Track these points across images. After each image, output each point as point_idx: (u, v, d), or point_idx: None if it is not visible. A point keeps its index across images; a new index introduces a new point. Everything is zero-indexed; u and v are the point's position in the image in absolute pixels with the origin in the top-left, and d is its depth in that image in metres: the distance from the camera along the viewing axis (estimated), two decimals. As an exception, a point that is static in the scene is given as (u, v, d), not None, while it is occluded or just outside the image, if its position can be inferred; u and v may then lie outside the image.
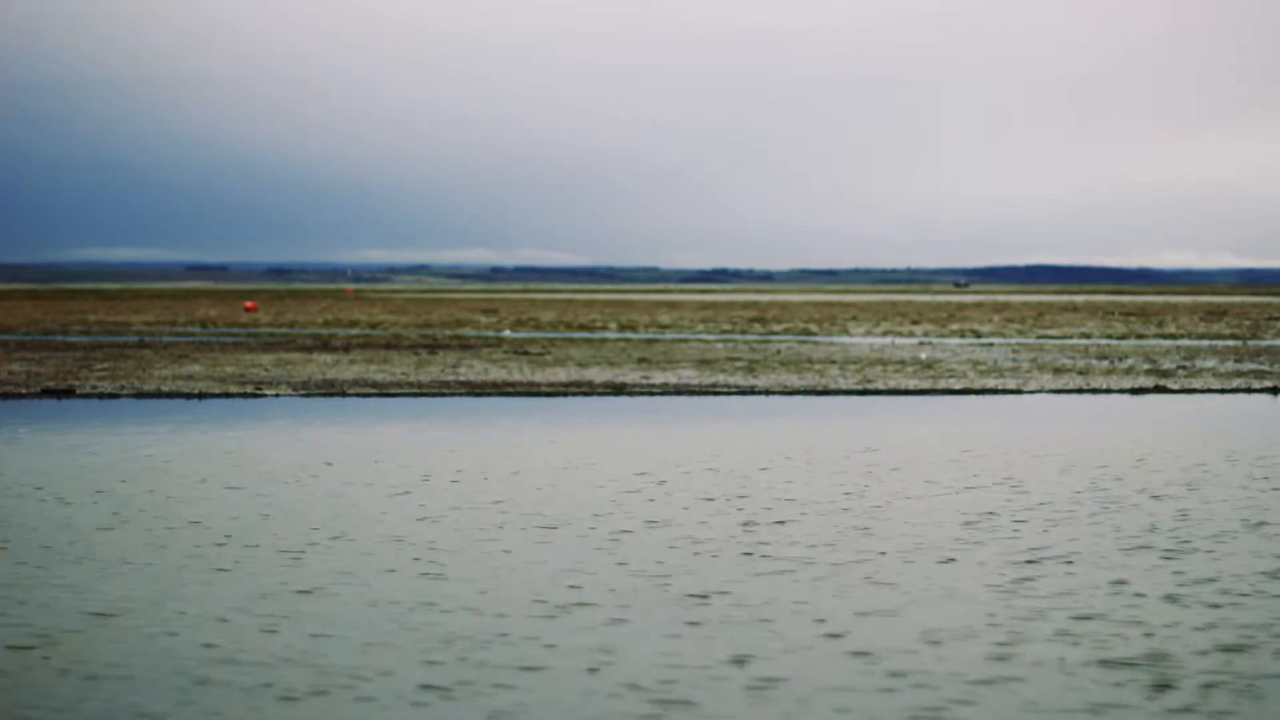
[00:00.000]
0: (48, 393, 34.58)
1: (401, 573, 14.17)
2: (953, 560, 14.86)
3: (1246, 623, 12.29)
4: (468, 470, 21.45)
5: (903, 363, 47.23)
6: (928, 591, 13.43)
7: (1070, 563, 14.73)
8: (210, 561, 14.72)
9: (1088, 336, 68.35)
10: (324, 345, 57.15)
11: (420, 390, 35.98)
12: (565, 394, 35.60)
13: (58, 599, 13.05)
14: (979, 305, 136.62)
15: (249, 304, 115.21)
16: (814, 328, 78.44)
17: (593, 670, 10.85)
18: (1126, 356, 51.47)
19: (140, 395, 34.32)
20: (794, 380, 39.55)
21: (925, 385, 38.24)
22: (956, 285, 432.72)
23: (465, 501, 18.51)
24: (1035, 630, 12.01)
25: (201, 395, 34.32)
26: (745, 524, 16.92)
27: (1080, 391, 37.32)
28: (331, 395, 34.68)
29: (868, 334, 71.95)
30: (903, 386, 37.78)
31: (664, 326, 79.84)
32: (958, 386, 38.01)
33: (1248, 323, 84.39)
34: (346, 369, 42.68)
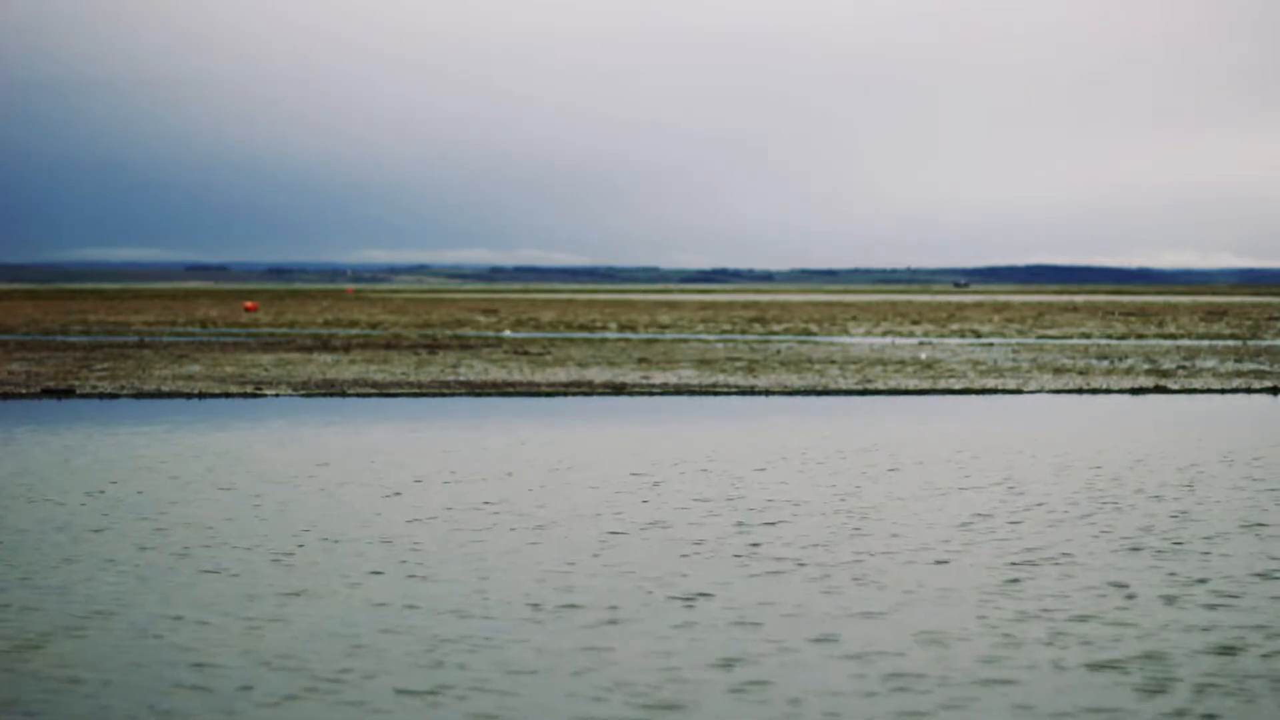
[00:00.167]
0: (47, 393, 34.51)
1: (390, 575, 14.08)
2: (947, 561, 14.77)
3: (1241, 624, 12.20)
4: (463, 471, 21.36)
5: (903, 363, 47.15)
6: (922, 593, 13.33)
7: (1065, 564, 14.64)
8: (199, 563, 14.63)
9: (1088, 336, 68.28)
10: (324, 345, 57.08)
11: (420, 390, 35.91)
12: (565, 394, 35.52)
13: (44, 601, 12.96)
14: (979, 305, 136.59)
15: (249, 304, 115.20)
16: (814, 328, 78.38)
17: (581, 673, 10.76)
18: (1126, 356, 51.40)
19: (140, 395, 34.25)
20: (794, 380, 39.47)
21: (925, 385, 38.16)
22: (956, 285, 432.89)
23: (458, 502, 18.42)
24: (1030, 632, 11.92)
25: (201, 395, 34.25)
26: (739, 525, 16.83)
27: (1080, 392, 37.24)
28: (331, 395, 34.61)
29: (868, 334, 71.89)
30: (902, 386, 37.71)
31: (664, 326, 79.78)
32: (958, 386, 37.94)
33: (1248, 323, 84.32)
34: (346, 369, 42.61)
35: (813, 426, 28.32)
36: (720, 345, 59.33)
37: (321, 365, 44.29)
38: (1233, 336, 67.98)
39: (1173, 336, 68.35)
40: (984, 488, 19.78)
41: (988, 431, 27.32)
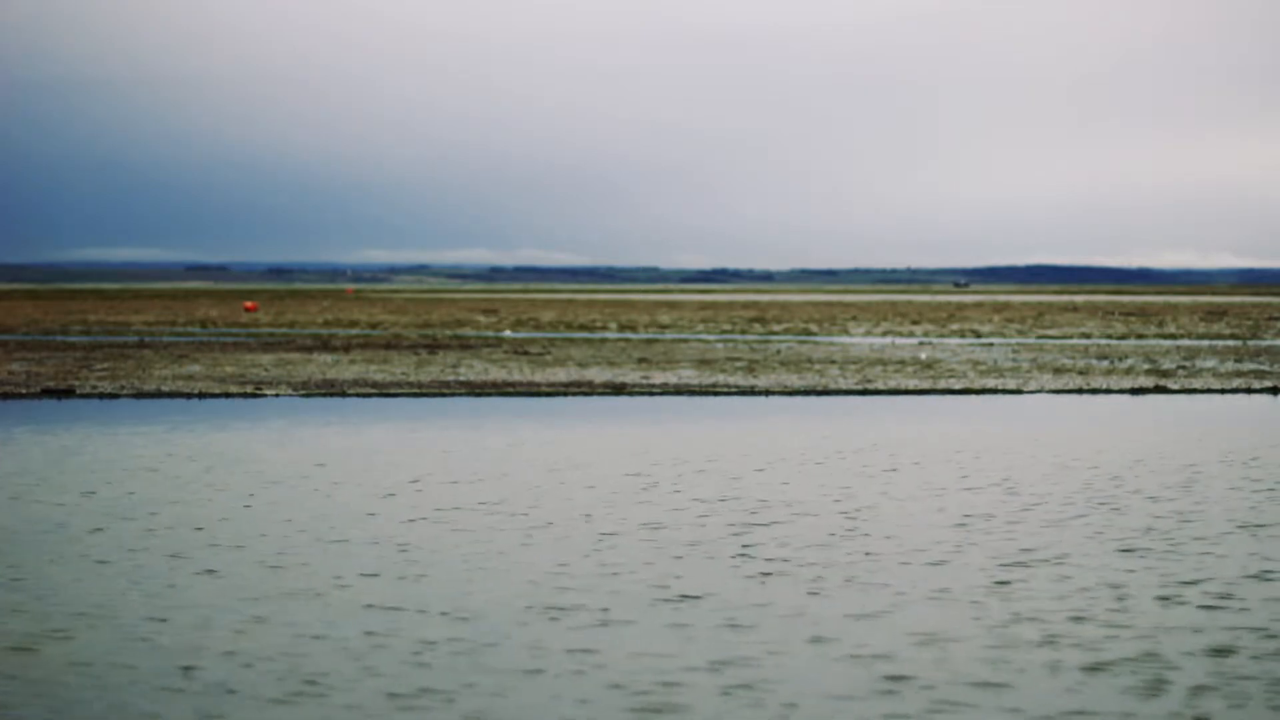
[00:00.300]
0: (48, 393, 34.49)
1: (382, 576, 14.05)
2: (944, 562, 14.74)
3: (1236, 625, 12.17)
4: (460, 471, 21.34)
5: (903, 363, 47.13)
6: (918, 593, 13.31)
7: (1062, 565, 14.61)
8: (194, 563, 14.60)
9: (1088, 336, 68.25)
10: (324, 345, 57.06)
11: (420, 390, 35.89)
12: (565, 394, 35.50)
13: (40, 601, 12.93)
14: (979, 305, 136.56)
15: (249, 304, 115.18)
16: (814, 328, 78.35)
17: (572, 675, 10.73)
18: (1126, 356, 51.37)
19: (140, 395, 34.23)
20: (794, 380, 39.45)
21: (925, 385, 38.14)
22: (956, 285, 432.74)
23: (454, 503, 18.39)
24: (1025, 633, 11.89)
25: (201, 395, 34.23)
26: (737, 525, 16.80)
27: (1080, 392, 37.22)
28: (331, 395, 34.59)
29: (868, 334, 71.86)
30: (902, 386, 37.68)
31: (664, 326, 79.76)
32: (957, 386, 37.91)
33: (1248, 323, 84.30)
34: (346, 369, 42.59)
35: (812, 426, 28.29)
36: (720, 345, 59.30)
37: (321, 365, 44.27)
38: (1233, 336, 67.96)
39: (1173, 336, 68.32)
40: (982, 488, 19.75)
41: (987, 431, 27.29)
